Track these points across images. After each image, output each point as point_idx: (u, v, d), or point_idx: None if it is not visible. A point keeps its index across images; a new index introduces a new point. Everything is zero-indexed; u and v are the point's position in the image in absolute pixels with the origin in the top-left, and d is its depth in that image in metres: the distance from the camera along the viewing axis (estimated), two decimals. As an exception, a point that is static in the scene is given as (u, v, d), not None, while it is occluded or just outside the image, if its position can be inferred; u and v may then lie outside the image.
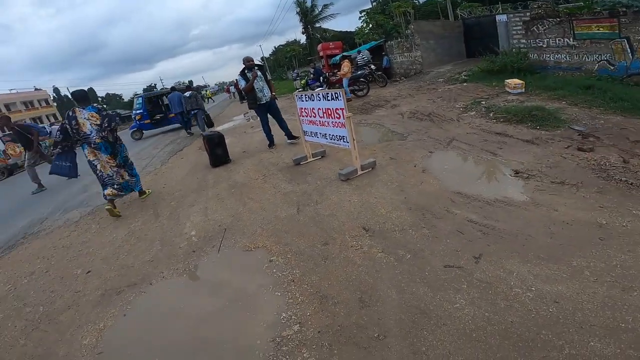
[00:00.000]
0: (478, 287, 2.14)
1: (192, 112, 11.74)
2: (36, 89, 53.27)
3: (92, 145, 4.80)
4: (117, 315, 2.70)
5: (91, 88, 67.40)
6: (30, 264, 4.12)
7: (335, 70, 14.81)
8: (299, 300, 2.35)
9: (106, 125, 4.80)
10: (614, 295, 1.92)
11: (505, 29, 13.05)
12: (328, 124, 4.63)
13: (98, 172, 4.94)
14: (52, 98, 56.66)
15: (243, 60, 6.69)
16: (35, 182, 8.38)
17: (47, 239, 4.86)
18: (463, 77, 11.19)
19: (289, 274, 2.66)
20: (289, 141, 6.99)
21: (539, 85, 7.80)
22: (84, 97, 4.98)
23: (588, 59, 8.27)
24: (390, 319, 2.02)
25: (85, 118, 4.76)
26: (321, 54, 21.80)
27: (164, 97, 15.70)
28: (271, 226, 3.55)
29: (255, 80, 6.48)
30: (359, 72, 12.66)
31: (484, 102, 7.30)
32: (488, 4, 30.08)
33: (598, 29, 7.89)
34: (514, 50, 10.67)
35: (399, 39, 17.25)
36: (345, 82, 11.97)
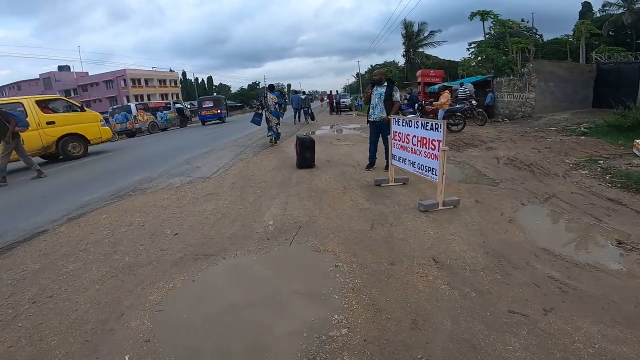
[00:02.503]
0: (538, 336, 2.04)
1: (304, 109, 18.67)
2: (171, 71, 63.30)
3: (268, 110, 10.42)
4: (187, 279, 3.03)
5: (210, 77, 77.48)
6: (132, 215, 4.86)
7: (432, 100, 14.34)
8: (354, 307, 2.45)
9: (282, 102, 12.06)
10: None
11: (650, 78, 11.42)
12: (420, 152, 4.64)
13: (268, 123, 10.64)
14: (180, 80, 65.74)
15: (374, 73, 6.78)
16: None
17: (151, 196, 5.74)
18: (582, 129, 9.96)
19: (351, 282, 2.78)
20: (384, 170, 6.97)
21: (679, 152, 6.68)
22: (272, 88, 11.41)
23: None
24: (438, 345, 2.02)
25: (270, 98, 10.35)
26: (419, 80, 21.13)
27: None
28: (343, 235, 3.71)
29: (373, 95, 6.36)
30: (457, 106, 12.15)
31: (601, 162, 6.53)
32: (634, 50, 26.47)
33: None
34: (656, 104, 9.24)
35: (511, 77, 16.09)
36: (440, 113, 11.55)
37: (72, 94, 50.63)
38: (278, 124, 10.76)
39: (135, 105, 22.13)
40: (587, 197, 4.83)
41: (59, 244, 4.07)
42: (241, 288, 2.85)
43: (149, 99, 46.52)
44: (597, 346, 1.93)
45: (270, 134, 10.89)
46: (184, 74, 72.13)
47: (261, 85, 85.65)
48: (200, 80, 74.38)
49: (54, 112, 11.26)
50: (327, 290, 2.68)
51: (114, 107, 23.05)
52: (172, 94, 58.64)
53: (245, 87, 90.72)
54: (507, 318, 2.23)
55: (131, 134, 21.17)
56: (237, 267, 3.24)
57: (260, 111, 10.78)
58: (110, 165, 9.37)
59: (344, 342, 2.11)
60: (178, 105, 27.45)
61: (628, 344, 1.93)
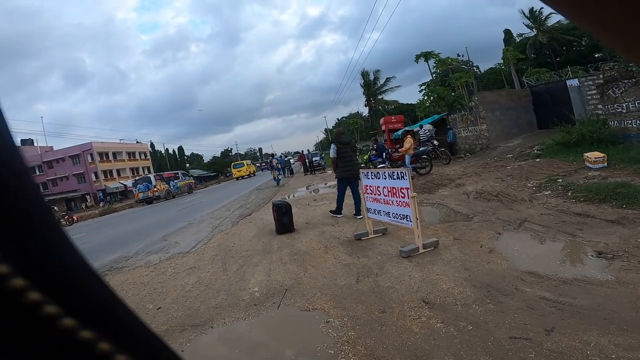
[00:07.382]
0: (548, 357, 1.96)
1: (287, 167, 27.32)
2: (137, 142, 58.54)
3: (274, 168, 21.66)
4: (176, 350, 2.86)
5: (180, 147, 72.18)
6: (109, 294, 4.71)
7: (397, 146, 14.56)
8: (352, 360, 2.30)
9: (281, 164, 25.34)
10: None
11: (578, 94, 12.15)
12: (392, 202, 4.68)
13: (275, 177, 20.27)
14: (149, 152, 60.45)
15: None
16: None
17: (128, 274, 5.61)
18: (535, 151, 10.52)
19: (344, 335, 2.65)
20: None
21: (623, 158, 7.11)
22: (273, 155, 39.99)
23: (674, 122, 7.25)
24: (446, 386, 1.90)
25: (275, 160, 24.63)
26: (383, 128, 21.44)
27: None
28: (330, 292, 3.59)
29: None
30: (421, 149, 12.38)
31: (560, 180, 6.88)
32: (556, 69, 28.39)
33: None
34: (591, 118, 9.75)
35: (462, 112, 16.58)
36: (407, 159, 11.71)
37: (37, 172, 45.83)
38: (279, 175, 20.45)
39: (154, 176, 28.40)
40: (557, 215, 5.01)
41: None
42: (234, 354, 2.71)
43: (118, 174, 48.15)
44: (614, 356, 1.88)
45: (277, 182, 19.35)
46: (152, 145, 65.76)
47: (234, 152, 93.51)
48: (171, 151, 71.37)
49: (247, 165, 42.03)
50: (322, 347, 2.55)
51: (137, 178, 29.88)
52: (142, 168, 53.92)
53: (218, 154, 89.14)
54: (510, 345, 2.16)
55: (150, 200, 27.01)
56: (226, 334, 3.10)
57: (270, 169, 21.84)
58: (82, 246, 9.04)
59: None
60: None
61: (645, 350, 1.88)
